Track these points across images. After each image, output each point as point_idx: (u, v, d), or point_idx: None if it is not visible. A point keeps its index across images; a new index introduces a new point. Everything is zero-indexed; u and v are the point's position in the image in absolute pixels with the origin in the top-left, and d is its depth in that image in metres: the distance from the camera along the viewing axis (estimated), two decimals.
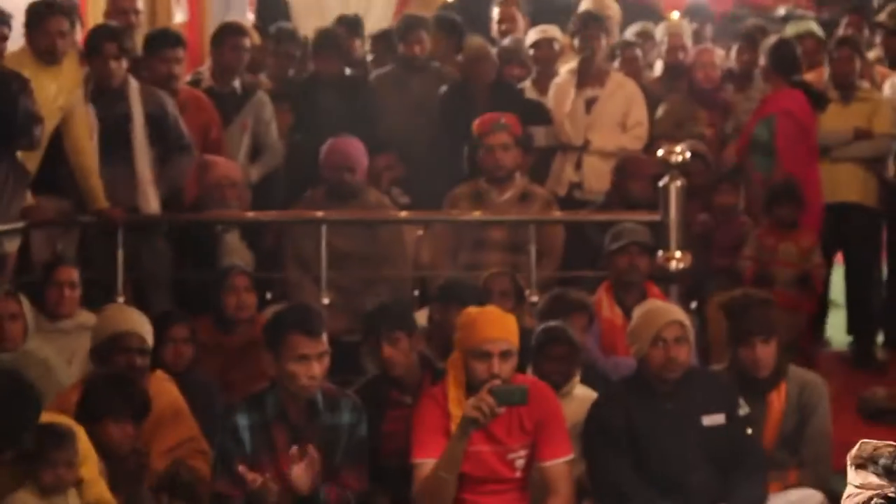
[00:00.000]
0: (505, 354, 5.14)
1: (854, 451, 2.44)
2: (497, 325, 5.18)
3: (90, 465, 4.89)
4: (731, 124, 8.58)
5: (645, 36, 9.31)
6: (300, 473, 4.95)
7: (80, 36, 7.70)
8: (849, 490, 2.40)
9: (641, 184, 7.64)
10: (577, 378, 5.88)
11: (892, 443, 2.42)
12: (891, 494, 2.33)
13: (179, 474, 5.42)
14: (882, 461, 2.39)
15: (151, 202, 7.19)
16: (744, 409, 5.54)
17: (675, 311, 5.69)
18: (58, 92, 6.81)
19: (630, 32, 9.40)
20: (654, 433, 5.45)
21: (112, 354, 5.64)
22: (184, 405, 5.69)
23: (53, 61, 6.80)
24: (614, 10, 9.93)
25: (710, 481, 5.45)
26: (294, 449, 4.98)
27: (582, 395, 5.79)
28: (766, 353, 5.70)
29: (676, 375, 5.48)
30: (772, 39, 8.44)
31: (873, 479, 2.38)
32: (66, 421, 4.90)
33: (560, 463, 5.25)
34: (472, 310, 5.35)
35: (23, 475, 4.74)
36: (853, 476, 2.42)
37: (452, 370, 5.26)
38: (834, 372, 8.06)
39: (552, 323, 5.92)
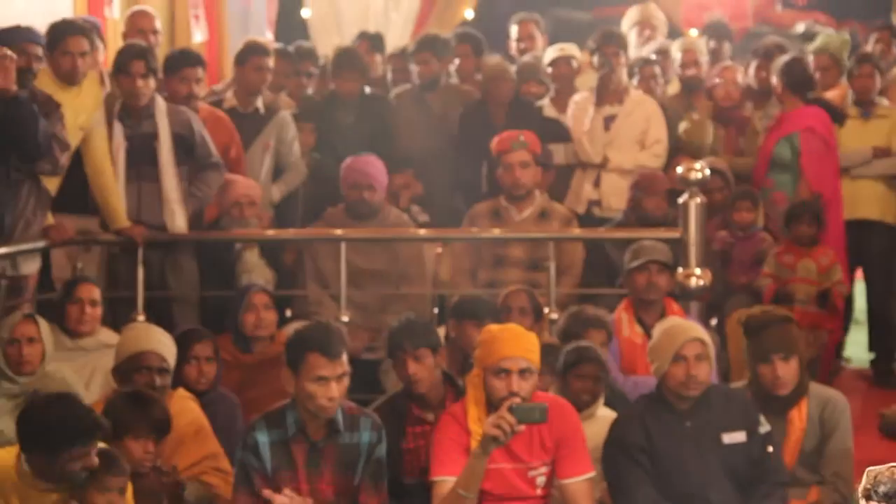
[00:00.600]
0: (524, 372, 5.13)
1: (862, 482, 2.44)
2: (517, 343, 5.17)
3: (129, 489, 4.92)
4: (747, 142, 8.56)
5: (663, 54, 9.32)
6: None
7: (102, 56, 7.76)
8: None
9: (656, 200, 7.65)
10: (601, 400, 5.87)
11: (894, 464, 2.41)
12: None
13: (188, 491, 5.45)
14: (881, 489, 2.39)
15: (178, 220, 7.21)
16: (764, 427, 5.52)
17: (696, 329, 5.67)
18: (78, 112, 6.84)
19: (648, 50, 9.41)
20: (674, 451, 5.43)
21: (132, 373, 5.67)
22: (205, 423, 5.71)
23: (74, 82, 6.82)
24: (660, 21, 9.97)
25: (731, 499, 5.43)
26: (286, 492, 4.99)
27: (604, 416, 5.77)
28: (786, 371, 5.68)
29: (696, 393, 5.47)
30: (784, 58, 8.42)
31: None
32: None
33: (580, 481, 5.22)
34: (493, 327, 5.33)
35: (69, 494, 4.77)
36: None
37: (472, 388, 5.26)
38: (855, 389, 8.05)
39: (582, 343, 5.92)
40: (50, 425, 4.68)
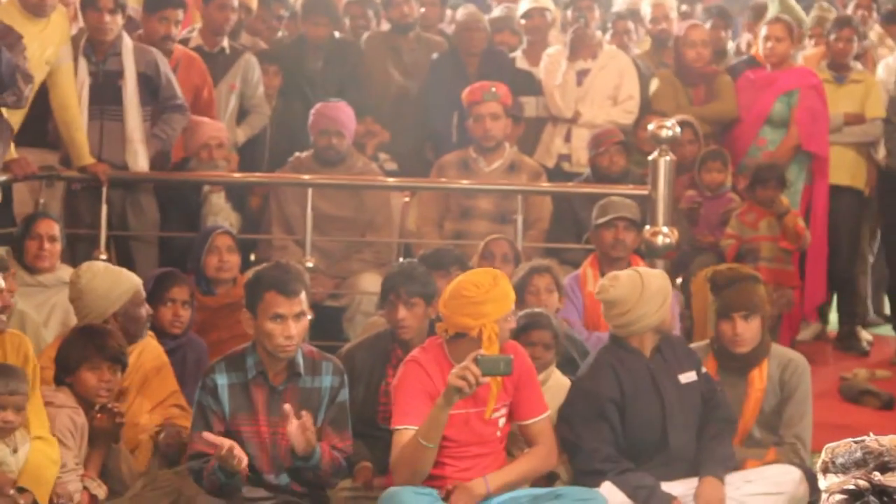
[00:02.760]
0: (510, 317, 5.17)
1: (820, 457, 2.44)
2: (507, 300, 5.11)
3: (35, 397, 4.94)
4: (716, 96, 8.47)
5: (634, 14, 9.24)
6: (294, 432, 4.94)
7: None
8: (822, 499, 2.40)
9: (608, 157, 7.63)
10: (554, 366, 5.85)
11: (852, 439, 2.41)
12: (848, 486, 2.31)
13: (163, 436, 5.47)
14: (839, 461, 2.38)
15: (140, 160, 7.16)
16: (704, 368, 5.59)
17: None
18: (45, 45, 6.76)
19: (618, 7, 9.31)
20: (642, 396, 5.44)
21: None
22: (166, 361, 5.73)
23: (41, 15, 6.74)
24: None
25: (689, 441, 5.45)
26: (287, 407, 4.97)
27: (558, 384, 5.72)
28: (745, 329, 5.68)
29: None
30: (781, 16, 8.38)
31: (834, 480, 2.38)
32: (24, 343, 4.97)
33: (541, 420, 5.23)
34: (473, 284, 5.12)
35: None
36: (822, 483, 2.41)
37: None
38: (819, 353, 8.08)
39: (536, 309, 5.90)
40: None
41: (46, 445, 4.92)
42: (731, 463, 5.48)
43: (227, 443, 4.89)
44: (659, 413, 5.44)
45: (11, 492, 4.70)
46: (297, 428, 4.94)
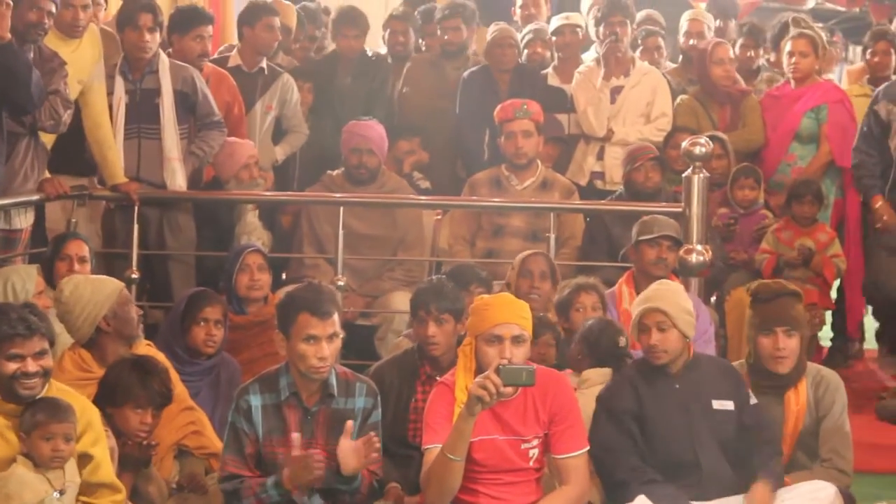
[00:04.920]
0: (517, 339, 5.08)
1: None
2: (509, 310, 5.12)
3: (101, 445, 4.85)
4: (744, 116, 8.40)
5: (653, 23, 9.19)
6: (348, 452, 4.94)
7: (101, 14, 7.69)
8: None
9: (643, 173, 7.56)
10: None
11: None
12: None
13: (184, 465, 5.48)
14: None
15: (178, 178, 7.19)
16: (753, 400, 5.48)
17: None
18: (77, 66, 6.78)
19: (640, 18, 9.22)
20: (664, 413, 5.40)
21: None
22: (172, 370, 5.61)
23: (74, 35, 6.77)
24: None
25: (720, 464, 5.39)
26: (350, 423, 4.98)
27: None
28: (787, 344, 5.59)
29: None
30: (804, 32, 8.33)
31: None
32: (80, 400, 4.87)
33: (575, 456, 5.15)
34: (485, 296, 5.33)
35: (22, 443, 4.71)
36: None
37: (462, 357, 5.19)
38: (853, 371, 8.01)
39: (601, 317, 5.94)
40: None
41: None
42: (780, 478, 5.40)
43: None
44: (686, 433, 5.38)
45: None
46: (352, 449, 4.94)
